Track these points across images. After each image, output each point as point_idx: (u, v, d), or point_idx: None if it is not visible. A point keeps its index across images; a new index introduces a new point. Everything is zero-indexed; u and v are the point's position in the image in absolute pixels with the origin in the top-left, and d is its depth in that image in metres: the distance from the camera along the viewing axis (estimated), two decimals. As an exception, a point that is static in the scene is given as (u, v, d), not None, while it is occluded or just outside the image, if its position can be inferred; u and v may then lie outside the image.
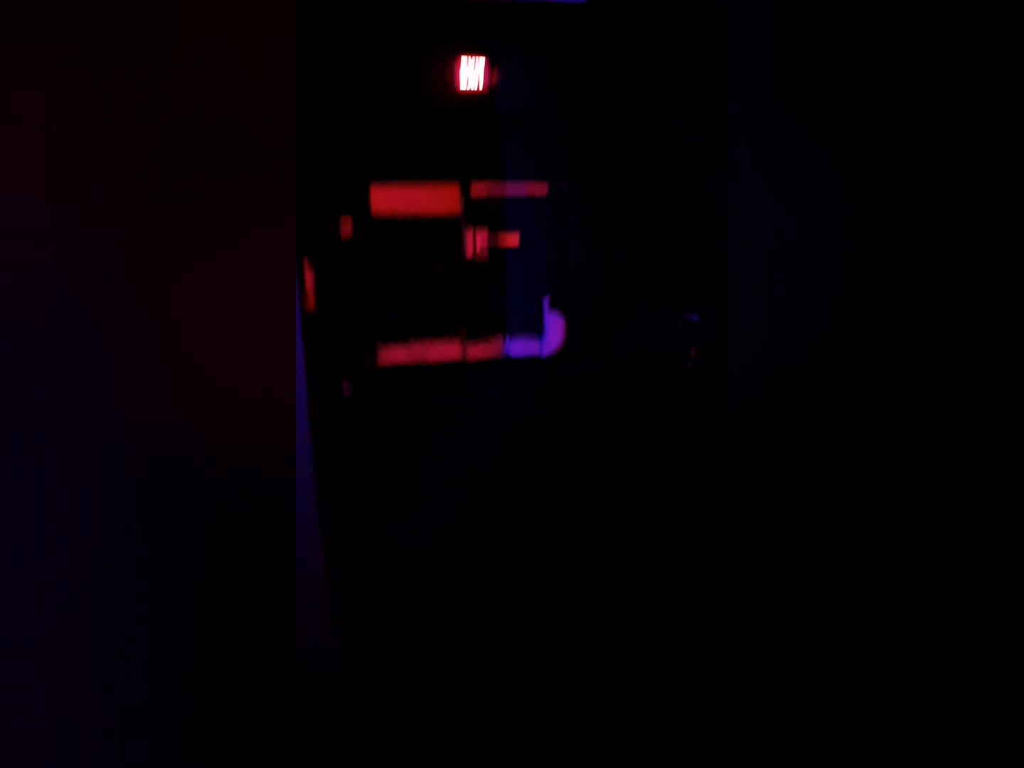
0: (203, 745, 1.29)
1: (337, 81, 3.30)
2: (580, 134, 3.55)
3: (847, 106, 1.32)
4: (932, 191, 1.30)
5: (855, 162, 1.33)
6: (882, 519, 1.34)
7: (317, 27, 3.10)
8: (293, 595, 1.32)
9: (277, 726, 1.30)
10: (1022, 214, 1.26)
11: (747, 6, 1.34)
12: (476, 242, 3.66)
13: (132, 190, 1.22)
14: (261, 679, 1.30)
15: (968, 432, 1.30)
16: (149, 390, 1.25)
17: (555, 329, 3.66)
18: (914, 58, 1.29)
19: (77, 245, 1.21)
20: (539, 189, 3.69)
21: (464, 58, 3.43)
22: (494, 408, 3.48)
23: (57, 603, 1.23)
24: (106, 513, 1.24)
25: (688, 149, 3.38)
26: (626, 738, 2.13)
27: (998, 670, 1.30)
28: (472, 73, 3.45)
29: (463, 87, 3.46)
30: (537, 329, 3.71)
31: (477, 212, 3.65)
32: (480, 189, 3.62)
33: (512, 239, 3.68)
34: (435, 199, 3.60)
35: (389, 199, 3.52)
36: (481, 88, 3.48)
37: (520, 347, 3.67)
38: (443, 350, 3.59)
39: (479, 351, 3.64)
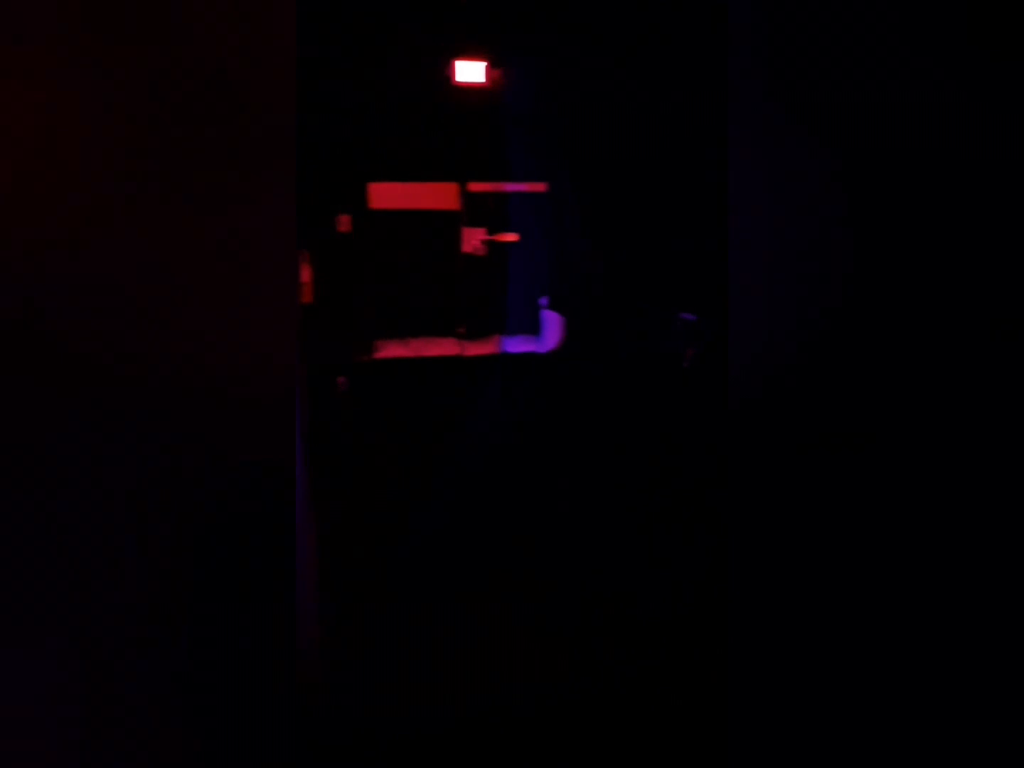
0: (203, 745, 1.29)
1: (337, 79, 3.30)
2: (580, 133, 3.54)
3: (847, 106, 1.32)
4: (932, 191, 1.30)
5: (855, 162, 1.33)
6: (882, 518, 1.34)
7: (317, 27, 3.10)
8: (293, 596, 1.32)
9: (275, 728, 1.30)
10: (1022, 214, 1.26)
11: (747, 6, 1.34)
12: (474, 240, 3.66)
13: (133, 187, 1.22)
14: (260, 679, 1.30)
15: (967, 432, 1.30)
16: (148, 389, 1.24)
17: (553, 328, 3.65)
18: (914, 58, 1.28)
19: (78, 243, 1.21)
20: (538, 188, 3.68)
21: (464, 57, 3.43)
22: (491, 406, 3.47)
23: (55, 603, 1.22)
24: (105, 513, 1.24)
25: (688, 148, 3.38)
26: (626, 738, 2.13)
27: (995, 668, 1.30)
28: (472, 72, 3.45)
29: (463, 86, 3.46)
30: (535, 328, 3.71)
31: (476, 210, 3.64)
32: (479, 188, 3.62)
33: (511, 238, 3.67)
34: (434, 197, 3.59)
35: (387, 196, 3.52)
36: (481, 87, 3.48)
37: (518, 345, 3.67)
38: (441, 348, 3.59)
39: (477, 349, 3.64)
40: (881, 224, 1.33)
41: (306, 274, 3.33)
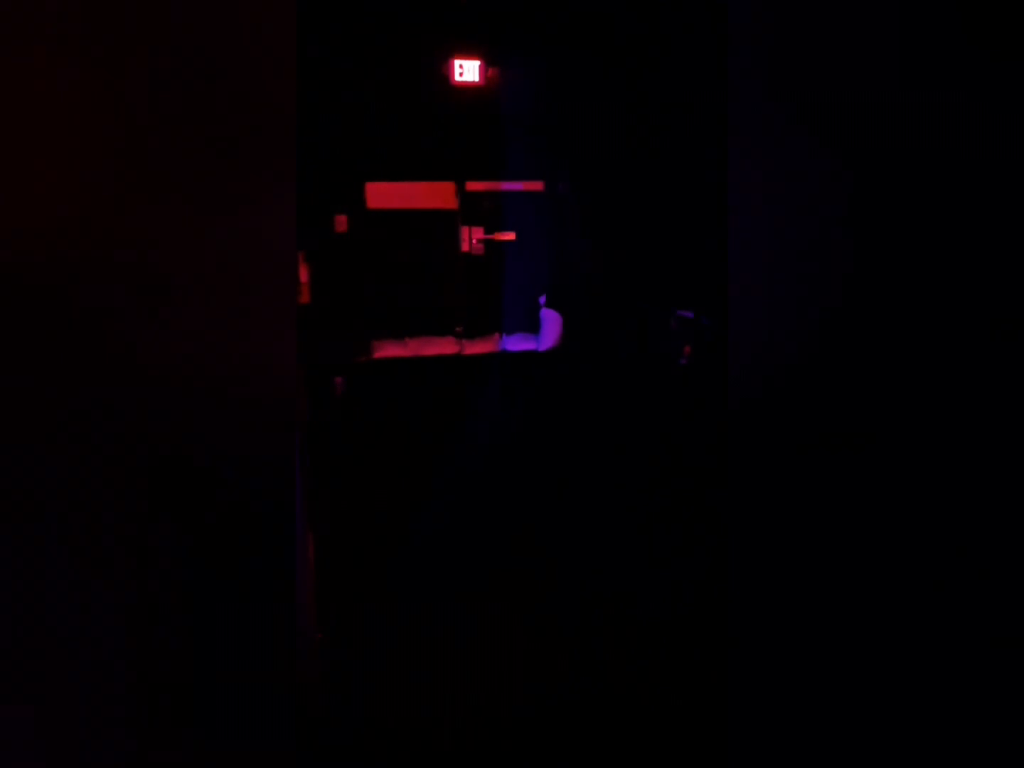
0: (202, 745, 1.29)
1: (336, 79, 3.30)
2: (579, 133, 3.54)
3: (847, 106, 1.32)
4: (932, 191, 1.30)
5: (855, 162, 1.33)
6: (881, 518, 1.34)
7: (317, 27, 3.09)
8: (292, 596, 1.32)
9: (275, 728, 1.30)
10: (1022, 214, 1.26)
11: (747, 6, 1.34)
12: (472, 239, 3.65)
13: (132, 187, 1.22)
14: (260, 679, 1.29)
15: (967, 432, 1.30)
16: (147, 387, 1.24)
17: (551, 326, 3.65)
18: (914, 57, 1.29)
19: (76, 243, 1.20)
20: (536, 187, 3.68)
21: (463, 57, 3.43)
22: (490, 405, 3.47)
23: (54, 603, 1.22)
24: (104, 512, 1.24)
25: (687, 148, 3.38)
26: (626, 738, 2.13)
27: (994, 666, 1.30)
28: (470, 72, 3.45)
29: (461, 85, 3.45)
30: (533, 326, 3.71)
31: (473, 209, 3.64)
32: (477, 187, 3.62)
33: (509, 236, 3.67)
34: (431, 196, 3.59)
35: (385, 196, 3.52)
36: (479, 86, 3.48)
37: (517, 344, 3.67)
38: (439, 347, 3.59)
39: (475, 348, 3.64)
40: (881, 224, 1.33)
41: (304, 274, 3.33)
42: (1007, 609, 1.29)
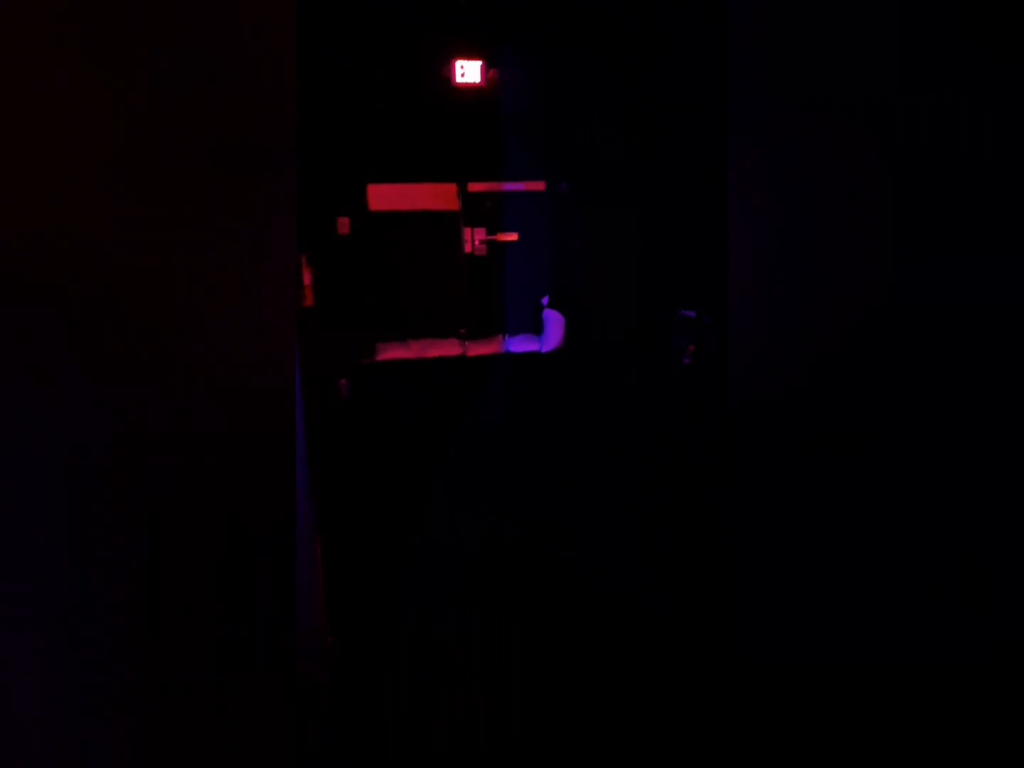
0: (202, 745, 1.29)
1: (336, 80, 3.30)
2: (579, 133, 3.54)
3: (847, 106, 1.32)
4: (932, 190, 1.30)
5: (855, 162, 1.33)
6: (881, 518, 1.34)
7: (317, 27, 3.10)
8: (293, 596, 1.32)
9: (275, 728, 1.30)
10: (1022, 214, 1.26)
11: (747, 6, 1.34)
12: (475, 240, 3.65)
13: (133, 188, 1.22)
14: (260, 679, 1.30)
15: (967, 432, 1.30)
16: (147, 388, 1.24)
17: (555, 327, 3.65)
18: (914, 57, 1.28)
19: (77, 244, 1.21)
20: (538, 187, 3.68)
21: (464, 58, 3.43)
22: (494, 406, 3.48)
23: (52, 603, 1.22)
24: (105, 512, 1.24)
25: (687, 148, 3.38)
26: (626, 738, 2.13)
27: (993, 666, 1.30)
28: (471, 73, 3.45)
29: (462, 87, 3.46)
30: (536, 327, 3.71)
31: (475, 210, 3.64)
32: (479, 188, 3.62)
33: (511, 237, 3.67)
34: (433, 197, 3.59)
35: (387, 198, 3.52)
36: (480, 87, 3.48)
37: (520, 345, 3.67)
38: (443, 349, 3.59)
39: (479, 349, 3.64)
40: (881, 224, 1.33)
41: (307, 277, 3.33)
42: (1007, 609, 1.29)
